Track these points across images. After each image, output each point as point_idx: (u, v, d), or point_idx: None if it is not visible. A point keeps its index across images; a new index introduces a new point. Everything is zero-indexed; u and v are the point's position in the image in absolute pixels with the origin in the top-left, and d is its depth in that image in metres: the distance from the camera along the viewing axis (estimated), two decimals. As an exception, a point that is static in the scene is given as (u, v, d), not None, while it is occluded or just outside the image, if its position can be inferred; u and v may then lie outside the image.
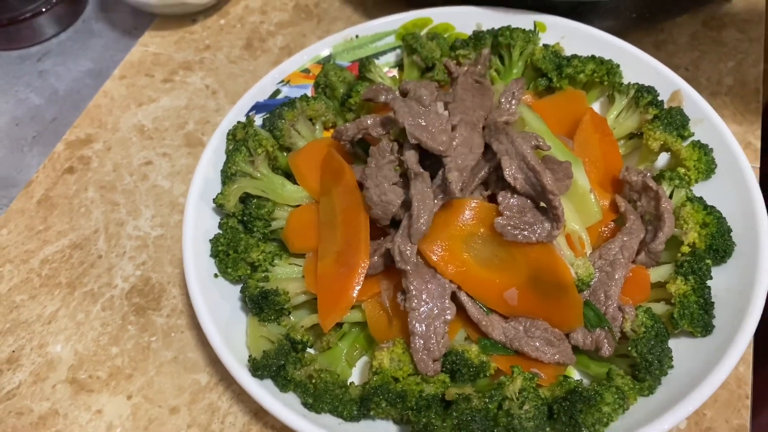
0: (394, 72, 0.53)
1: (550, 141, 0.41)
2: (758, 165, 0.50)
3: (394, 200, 0.39)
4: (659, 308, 0.39)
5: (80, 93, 0.61)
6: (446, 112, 0.41)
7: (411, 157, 0.39)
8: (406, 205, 0.39)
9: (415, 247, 0.37)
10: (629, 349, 0.37)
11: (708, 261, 0.39)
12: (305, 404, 0.37)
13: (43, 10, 0.63)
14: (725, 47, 0.57)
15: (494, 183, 0.40)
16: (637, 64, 0.49)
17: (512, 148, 0.38)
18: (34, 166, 0.56)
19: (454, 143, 0.38)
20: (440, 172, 0.38)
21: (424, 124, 0.39)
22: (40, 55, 0.64)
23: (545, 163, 0.39)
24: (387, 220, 0.40)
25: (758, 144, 0.51)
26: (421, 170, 0.38)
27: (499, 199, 0.38)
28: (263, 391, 0.36)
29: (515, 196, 0.38)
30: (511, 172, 0.37)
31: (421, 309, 0.37)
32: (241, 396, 0.42)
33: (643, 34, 0.57)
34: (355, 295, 0.39)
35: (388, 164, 0.40)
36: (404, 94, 0.44)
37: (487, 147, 0.40)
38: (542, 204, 0.38)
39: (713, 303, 0.39)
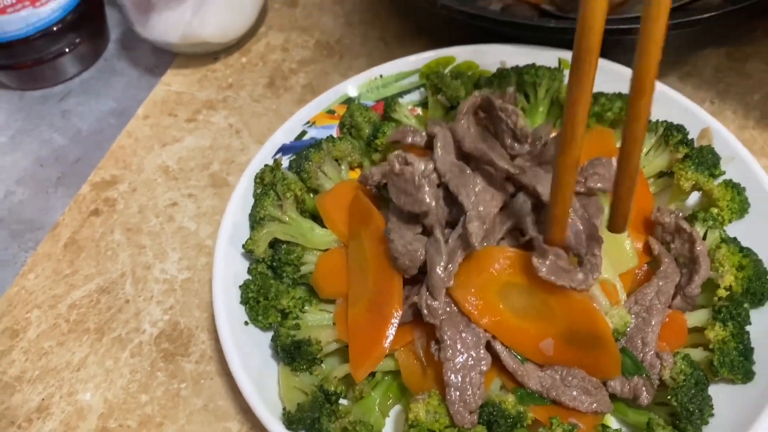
0: (419, 110, 0.53)
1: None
2: (790, 201, 0.49)
3: (419, 249, 0.39)
4: (697, 354, 0.39)
5: (103, 133, 0.61)
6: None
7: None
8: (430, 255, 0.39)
9: (442, 300, 0.37)
10: (669, 397, 0.37)
11: (746, 306, 0.39)
12: (341, 458, 0.37)
13: (66, 50, 0.64)
14: (751, 79, 0.56)
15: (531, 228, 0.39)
16: (665, 100, 0.48)
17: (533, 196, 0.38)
18: (60, 207, 0.56)
19: (477, 189, 0.38)
20: (462, 220, 0.38)
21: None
22: (62, 95, 0.65)
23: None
24: (415, 269, 0.39)
25: (789, 179, 0.50)
26: (436, 227, 0.38)
27: (535, 254, 0.37)
28: (299, 447, 0.36)
29: (550, 247, 0.38)
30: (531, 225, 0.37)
31: (456, 360, 0.37)
32: (273, 445, 0.41)
33: (667, 67, 0.57)
34: (387, 345, 0.38)
35: (405, 218, 0.40)
36: (431, 137, 0.44)
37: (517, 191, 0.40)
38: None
39: (753, 348, 0.38)
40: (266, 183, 0.47)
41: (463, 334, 0.38)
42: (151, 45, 0.65)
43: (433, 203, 0.39)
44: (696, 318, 0.40)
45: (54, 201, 0.57)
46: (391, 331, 0.38)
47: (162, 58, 0.65)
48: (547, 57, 0.51)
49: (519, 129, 0.42)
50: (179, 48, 0.62)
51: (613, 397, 0.39)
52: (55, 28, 0.61)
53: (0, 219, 0.56)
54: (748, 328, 0.39)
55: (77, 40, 0.64)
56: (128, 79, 0.65)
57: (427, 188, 0.39)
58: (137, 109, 0.61)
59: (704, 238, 0.42)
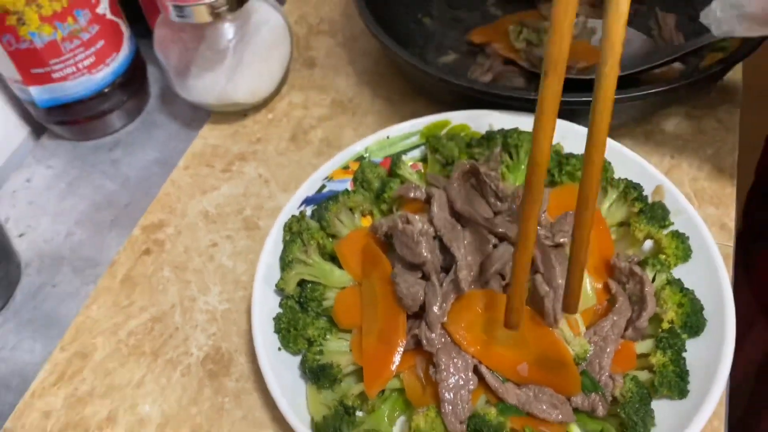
0: (420, 166, 0.63)
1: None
2: (731, 244, 0.58)
3: (419, 291, 0.48)
4: (643, 376, 0.48)
5: (149, 180, 0.71)
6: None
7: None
8: (428, 296, 0.48)
9: (438, 332, 0.47)
10: (618, 410, 0.46)
11: (684, 336, 0.48)
12: (357, 459, 0.46)
13: (115, 108, 0.73)
14: (705, 136, 0.66)
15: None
16: (626, 161, 0.58)
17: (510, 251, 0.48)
18: (114, 246, 0.65)
19: (466, 242, 0.48)
20: (453, 268, 0.48)
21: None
22: (111, 146, 0.75)
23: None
24: (416, 307, 0.49)
25: (731, 224, 0.60)
26: (432, 274, 0.48)
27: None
28: (324, 449, 0.45)
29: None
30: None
31: (449, 380, 0.46)
32: (301, 450, 0.51)
33: (634, 125, 0.67)
34: (394, 368, 0.48)
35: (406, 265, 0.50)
36: (429, 196, 0.54)
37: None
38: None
39: (688, 371, 0.47)
40: (294, 231, 0.56)
41: (455, 360, 0.47)
42: (188, 102, 0.75)
43: (429, 255, 0.48)
44: (643, 346, 0.49)
45: (109, 240, 0.66)
46: (397, 357, 0.48)
47: (198, 113, 0.75)
48: (528, 122, 0.60)
49: (500, 191, 0.51)
50: (214, 108, 0.71)
51: (575, 410, 0.48)
52: (106, 90, 0.71)
53: (63, 257, 0.66)
54: (684, 354, 0.48)
55: (124, 99, 0.74)
56: (168, 131, 0.75)
57: (423, 244, 0.48)
58: (178, 158, 0.71)
59: (654, 280, 0.51)
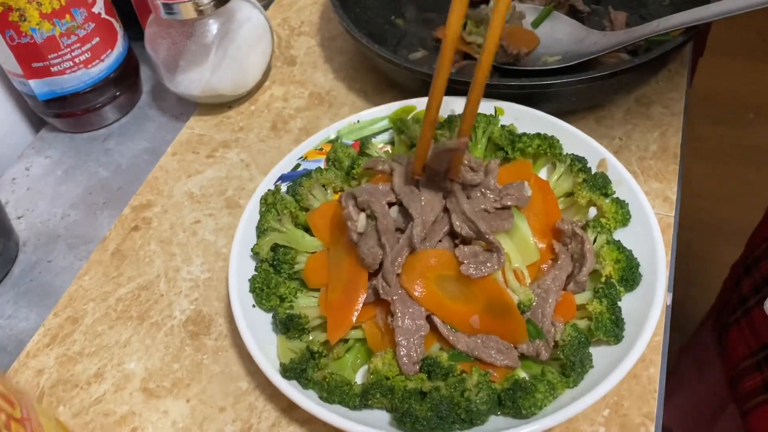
0: (388, 147, 0.68)
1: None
2: (672, 214, 0.63)
3: (379, 251, 0.53)
4: (582, 324, 0.53)
5: (139, 167, 0.76)
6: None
7: (392, 215, 0.54)
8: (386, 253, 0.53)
9: (393, 283, 0.51)
10: (559, 353, 0.51)
11: (618, 287, 0.53)
12: (321, 398, 0.50)
13: (109, 101, 0.79)
14: (652, 120, 0.71)
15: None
16: (574, 138, 0.63)
17: (457, 206, 0.52)
18: (106, 225, 0.71)
19: (422, 203, 0.53)
20: (410, 226, 0.53)
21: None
22: (105, 137, 0.80)
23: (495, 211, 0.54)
24: (376, 265, 0.53)
25: (674, 197, 0.65)
26: (383, 236, 0.53)
27: (457, 252, 0.52)
28: (290, 388, 0.50)
29: (467, 246, 0.52)
30: (457, 224, 0.52)
31: (405, 326, 0.51)
32: (272, 398, 0.55)
33: (585, 111, 0.72)
34: (355, 318, 0.52)
35: (370, 231, 0.54)
36: (392, 170, 0.59)
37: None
38: (486, 245, 0.52)
39: (623, 319, 0.52)
40: (269, 203, 0.61)
41: (410, 310, 0.52)
42: (177, 97, 0.80)
43: (355, 236, 0.54)
44: (583, 297, 0.54)
45: (101, 220, 0.71)
46: (358, 308, 0.52)
47: (186, 107, 0.81)
48: (485, 106, 0.66)
49: (472, 162, 0.56)
50: (200, 99, 0.77)
51: (521, 356, 0.52)
52: (101, 84, 0.77)
53: (58, 235, 0.71)
54: (621, 304, 0.52)
55: (117, 93, 0.79)
56: (159, 123, 0.81)
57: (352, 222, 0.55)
58: (167, 148, 0.76)
59: (595, 241, 0.56)
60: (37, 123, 0.82)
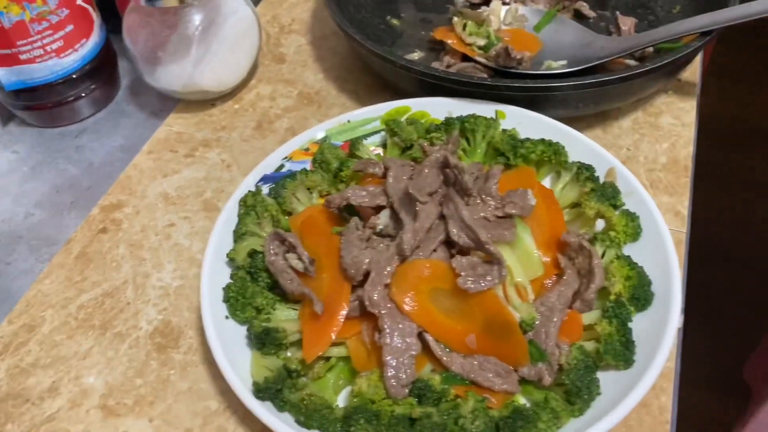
0: (379, 150, 0.63)
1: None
2: (684, 230, 0.59)
3: (363, 260, 0.48)
4: (590, 346, 0.48)
5: (113, 165, 0.71)
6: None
7: (383, 220, 0.48)
8: (373, 262, 0.48)
9: (380, 294, 0.46)
10: (563, 378, 0.46)
11: (629, 306, 0.48)
12: (298, 422, 0.45)
13: (83, 95, 0.74)
14: (661, 131, 0.67)
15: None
16: (580, 146, 0.59)
17: (455, 212, 0.48)
18: (72, 227, 0.65)
19: (415, 209, 0.48)
20: (400, 233, 0.48)
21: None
22: (77, 132, 0.75)
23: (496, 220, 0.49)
24: (360, 276, 0.48)
25: (685, 212, 0.60)
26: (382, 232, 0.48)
27: (454, 263, 0.47)
28: (264, 410, 0.45)
29: (465, 257, 0.47)
30: (454, 232, 0.47)
31: (393, 345, 0.46)
32: (244, 420, 0.50)
33: (592, 119, 0.68)
34: (334, 333, 0.47)
35: (356, 238, 0.50)
36: (386, 168, 0.54)
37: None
38: (485, 255, 0.47)
39: (634, 342, 0.47)
40: (248, 205, 0.56)
41: (400, 326, 0.47)
42: (157, 92, 0.75)
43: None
44: (590, 317, 0.49)
45: (68, 221, 0.66)
46: (338, 322, 0.47)
47: (166, 104, 0.76)
48: (486, 109, 0.62)
49: (474, 168, 0.52)
50: (181, 95, 0.72)
51: (522, 380, 0.47)
52: (74, 76, 0.72)
53: (20, 236, 0.65)
54: (631, 325, 0.48)
55: (92, 87, 0.74)
56: (136, 120, 0.76)
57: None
58: (143, 146, 0.71)
59: (603, 256, 0.52)
60: (5, 116, 0.77)
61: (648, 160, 0.65)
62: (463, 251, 0.49)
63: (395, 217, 0.51)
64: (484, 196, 0.50)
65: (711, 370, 1.25)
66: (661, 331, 0.47)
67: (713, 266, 1.51)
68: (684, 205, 0.61)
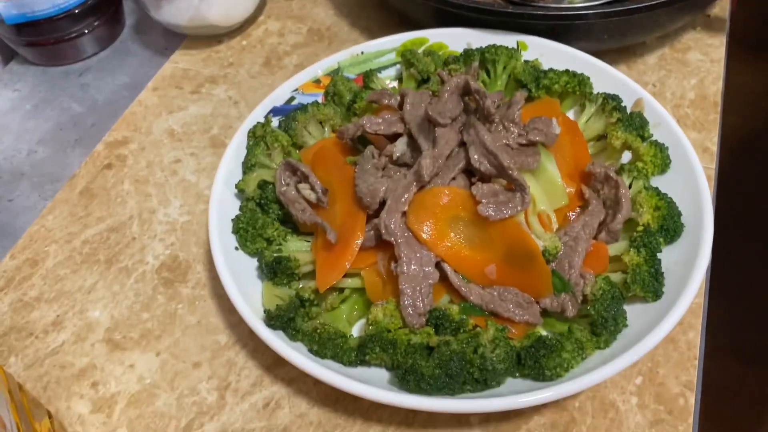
0: (394, 83, 0.61)
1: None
2: (713, 166, 0.56)
3: (379, 187, 0.46)
4: (616, 277, 0.46)
5: (117, 103, 0.68)
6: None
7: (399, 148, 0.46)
8: (389, 191, 0.46)
9: (397, 222, 0.44)
10: (588, 308, 0.43)
11: (658, 236, 0.46)
12: (311, 351, 0.43)
13: (86, 31, 0.71)
14: (689, 67, 0.64)
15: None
16: (606, 76, 0.56)
17: (477, 138, 0.45)
18: (76, 164, 0.63)
19: (435, 135, 0.46)
20: (419, 159, 0.45)
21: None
22: (81, 71, 0.72)
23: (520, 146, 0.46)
24: (376, 204, 0.46)
25: (714, 149, 0.58)
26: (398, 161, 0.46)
27: (474, 191, 0.44)
28: (276, 339, 0.43)
29: (486, 184, 0.45)
30: (476, 158, 0.45)
31: (410, 273, 0.44)
32: (255, 353, 0.48)
33: (616, 55, 0.65)
34: (349, 263, 0.45)
35: (372, 166, 0.47)
36: (403, 96, 0.51)
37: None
38: (507, 183, 0.45)
39: (663, 273, 0.45)
40: (258, 136, 0.54)
41: (417, 254, 0.45)
42: (163, 30, 0.72)
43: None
44: (616, 248, 0.47)
45: (72, 159, 0.64)
46: (353, 251, 0.45)
47: (171, 41, 0.73)
48: (507, 40, 0.59)
49: (495, 96, 0.49)
50: (187, 30, 0.69)
51: (544, 312, 0.45)
52: (77, 11, 0.69)
53: (23, 173, 0.63)
54: (661, 257, 0.45)
55: (96, 23, 0.72)
56: (141, 59, 0.73)
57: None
58: (148, 83, 0.69)
59: (630, 186, 0.49)
60: (7, 54, 0.75)
61: (675, 96, 0.62)
62: (484, 179, 0.46)
63: (413, 144, 0.48)
64: (506, 123, 0.48)
65: (735, 340, 1.22)
66: (691, 265, 0.44)
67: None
68: (713, 141, 0.58)
